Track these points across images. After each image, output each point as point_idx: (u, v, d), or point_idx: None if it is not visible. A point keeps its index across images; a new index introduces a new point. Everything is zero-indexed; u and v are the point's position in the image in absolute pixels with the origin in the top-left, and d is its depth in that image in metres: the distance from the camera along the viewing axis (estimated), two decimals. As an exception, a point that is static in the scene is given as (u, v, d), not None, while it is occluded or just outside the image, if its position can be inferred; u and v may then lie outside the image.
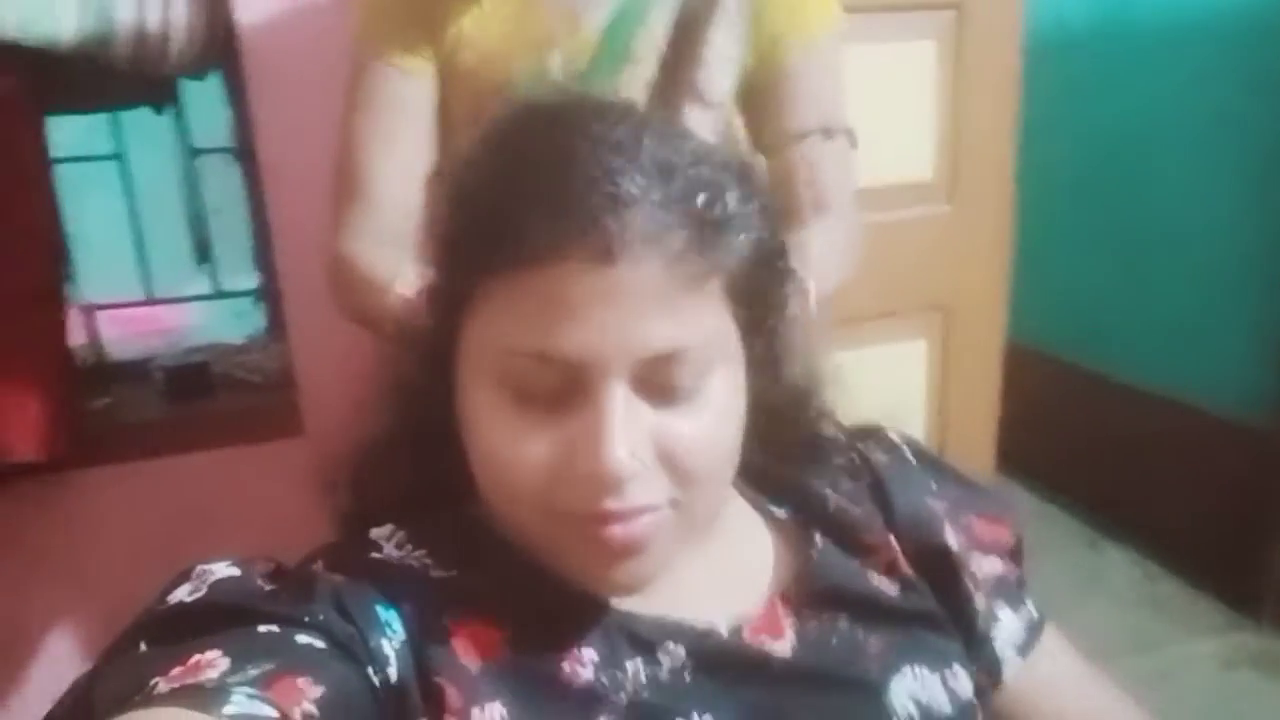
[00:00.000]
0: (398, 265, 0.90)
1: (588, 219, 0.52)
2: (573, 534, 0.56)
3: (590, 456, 0.53)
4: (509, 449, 0.56)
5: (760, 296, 0.61)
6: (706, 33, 0.97)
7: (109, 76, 1.35)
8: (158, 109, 1.54)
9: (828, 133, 1.06)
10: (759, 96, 1.05)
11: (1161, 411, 2.40)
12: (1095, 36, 2.50)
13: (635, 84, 0.97)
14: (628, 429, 0.54)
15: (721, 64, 0.99)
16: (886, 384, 1.74)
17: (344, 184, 1.00)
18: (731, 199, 0.57)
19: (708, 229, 0.55)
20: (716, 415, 0.58)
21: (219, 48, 1.43)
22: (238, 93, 1.53)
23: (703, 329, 0.56)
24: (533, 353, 0.54)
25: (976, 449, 1.84)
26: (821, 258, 1.00)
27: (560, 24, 0.97)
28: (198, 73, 1.46)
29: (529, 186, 0.55)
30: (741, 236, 0.57)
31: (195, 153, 1.60)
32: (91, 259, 1.49)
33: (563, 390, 0.55)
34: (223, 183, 1.62)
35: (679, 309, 0.54)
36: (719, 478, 0.60)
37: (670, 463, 0.56)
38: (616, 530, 0.55)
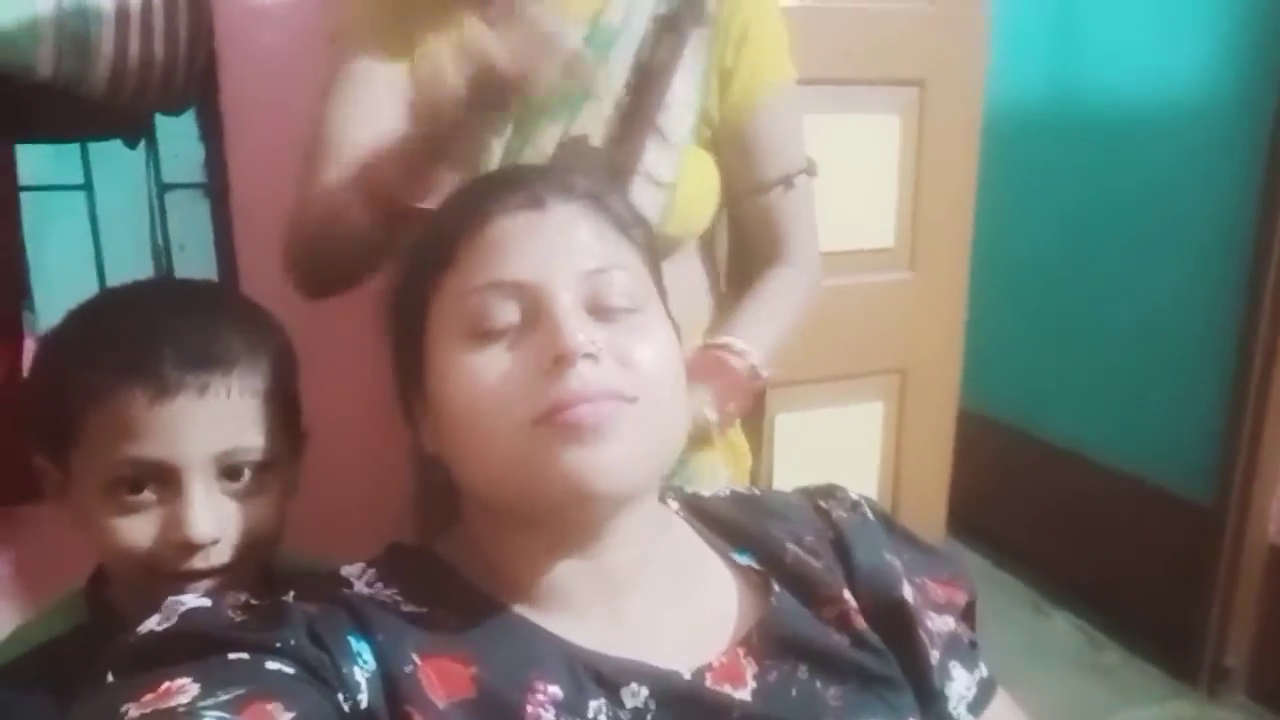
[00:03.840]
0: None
1: (519, 184, 0.66)
2: (543, 433, 0.59)
3: (551, 343, 0.59)
4: (478, 375, 0.61)
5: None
6: (668, 77, 1.00)
7: (83, 107, 1.35)
8: (130, 142, 1.53)
9: (788, 182, 1.09)
10: (723, 148, 1.08)
11: (1108, 482, 2.45)
12: (1052, 116, 2.60)
13: (593, 120, 0.99)
14: (581, 324, 0.61)
15: (681, 109, 1.02)
16: (843, 444, 1.77)
17: (312, 158, 1.00)
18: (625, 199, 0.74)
19: (613, 198, 0.69)
20: (660, 344, 0.65)
21: (198, 84, 1.43)
22: (212, 129, 1.53)
23: (625, 259, 0.66)
24: (487, 284, 0.63)
25: (928, 510, 1.87)
26: (761, 329, 1.06)
27: None
28: (176, 108, 1.46)
29: (471, 187, 0.71)
30: (641, 218, 0.72)
31: (165, 187, 1.59)
32: (52, 289, 1.46)
33: (520, 323, 0.62)
34: (190, 218, 1.61)
35: (601, 240, 0.66)
36: (673, 397, 0.65)
37: (625, 364, 0.62)
38: (584, 410, 0.59)
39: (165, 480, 0.72)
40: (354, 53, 1.02)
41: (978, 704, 0.74)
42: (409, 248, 0.70)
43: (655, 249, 0.72)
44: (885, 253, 1.77)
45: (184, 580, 0.72)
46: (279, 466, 0.78)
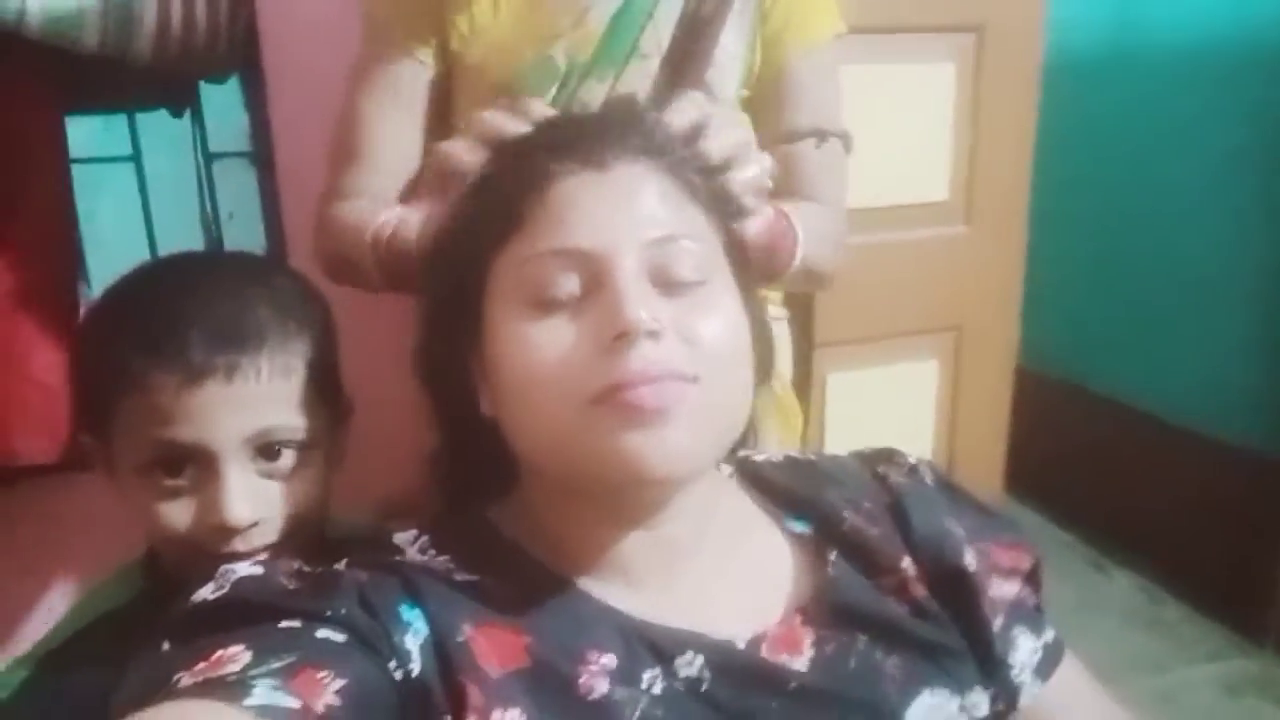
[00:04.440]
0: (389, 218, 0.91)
1: (581, 141, 0.62)
2: (602, 413, 0.57)
3: (612, 319, 0.57)
4: (538, 347, 0.59)
5: (738, 235, 0.69)
6: (716, 32, 0.97)
7: (128, 77, 1.35)
8: (176, 112, 1.54)
9: (821, 136, 1.05)
10: (758, 96, 1.05)
11: (1168, 436, 2.39)
12: (1113, 63, 2.51)
13: (639, 79, 0.97)
14: (644, 297, 0.58)
15: (729, 63, 0.99)
16: (898, 403, 1.74)
17: (340, 151, 1.02)
18: (699, 152, 0.68)
19: (682, 158, 0.65)
20: (726, 317, 0.62)
21: (240, 51, 1.43)
22: (256, 97, 1.53)
23: (694, 227, 0.63)
24: (548, 251, 0.60)
25: (985, 469, 1.84)
26: (803, 216, 0.95)
27: (565, 17, 0.97)
28: (219, 75, 1.46)
29: (531, 141, 0.66)
30: (712, 176, 0.67)
31: (211, 156, 1.60)
32: (104, 260, 1.48)
33: (582, 290, 0.60)
34: (238, 187, 1.62)
35: (669, 206, 0.62)
36: (738, 374, 0.63)
37: (689, 341, 0.59)
38: (645, 391, 0.56)
39: (201, 463, 0.72)
40: (384, 38, 1.02)
41: (1044, 668, 0.72)
42: (464, 200, 0.68)
43: (726, 208, 0.69)
44: (940, 206, 1.72)
45: (226, 562, 0.72)
46: (319, 444, 0.77)
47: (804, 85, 1.05)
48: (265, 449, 0.73)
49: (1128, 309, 2.55)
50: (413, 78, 1.01)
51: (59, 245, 1.40)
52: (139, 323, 0.72)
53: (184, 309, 0.72)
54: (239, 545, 0.72)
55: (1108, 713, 0.74)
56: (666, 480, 0.60)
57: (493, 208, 0.63)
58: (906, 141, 1.58)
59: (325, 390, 0.78)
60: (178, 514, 0.72)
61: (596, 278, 0.59)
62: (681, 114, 0.70)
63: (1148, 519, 2.45)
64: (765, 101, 1.05)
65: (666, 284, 0.60)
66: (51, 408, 1.34)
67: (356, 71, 1.03)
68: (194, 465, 0.72)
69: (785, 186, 1.05)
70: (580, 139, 0.63)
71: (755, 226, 0.79)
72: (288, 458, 0.75)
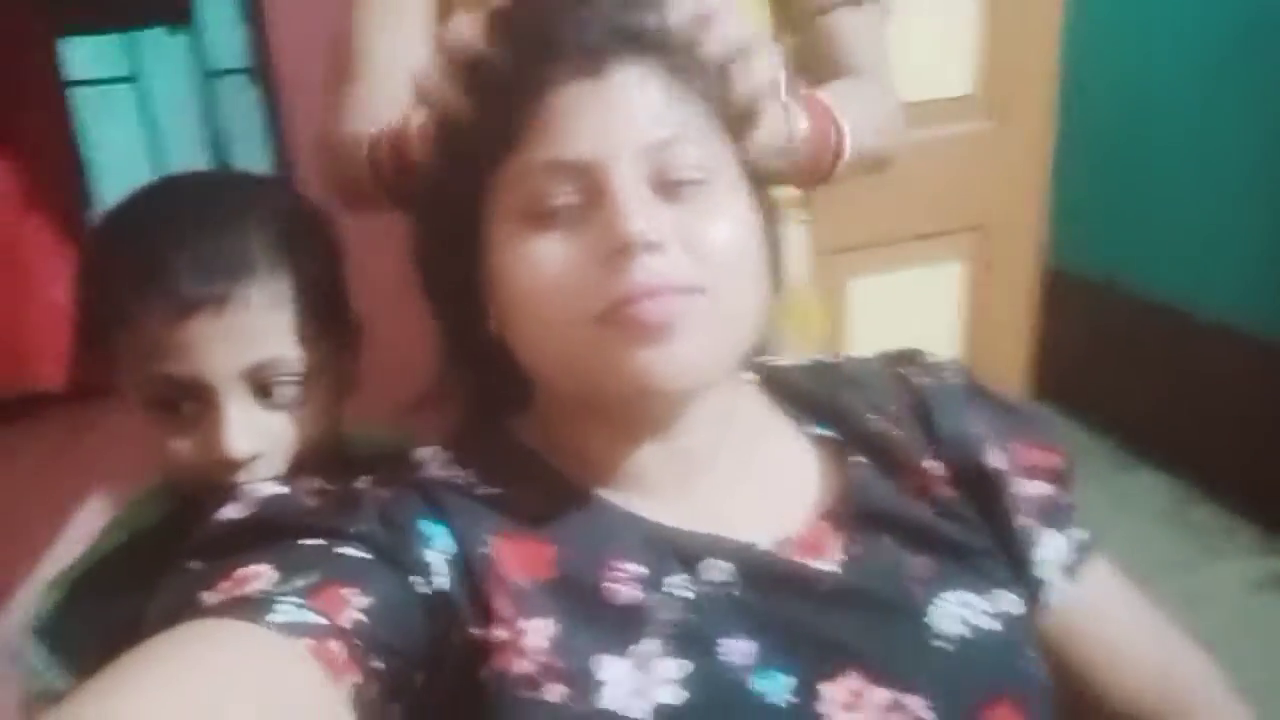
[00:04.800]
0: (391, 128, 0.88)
1: (575, 41, 0.59)
2: (607, 331, 0.56)
3: (612, 232, 0.55)
4: (539, 264, 0.58)
5: (747, 135, 0.65)
6: None
7: (122, -6, 1.32)
8: (173, 29, 1.51)
9: (855, 1, 1.00)
10: None
11: (1199, 334, 2.35)
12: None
13: None
14: (643, 208, 0.56)
15: None
16: (921, 306, 1.71)
17: (346, 64, 0.98)
18: (701, 45, 0.62)
19: (683, 52, 0.61)
20: (733, 220, 0.60)
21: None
22: (254, 9, 1.49)
23: (696, 127, 0.60)
24: (545, 163, 0.58)
25: (1011, 373, 1.81)
26: (848, 106, 0.90)
27: None
28: (212, -11, 1.43)
29: (513, 36, 0.61)
30: (716, 70, 0.63)
31: (212, 74, 1.57)
32: (110, 183, 1.47)
33: (580, 201, 0.57)
34: (240, 105, 1.59)
35: (670, 106, 0.59)
36: (747, 281, 0.60)
37: (693, 250, 0.57)
38: (647, 305, 0.55)
39: (201, 397, 0.70)
40: None
41: (1074, 568, 0.70)
42: (456, 108, 0.64)
43: (733, 104, 0.65)
44: (964, 100, 1.66)
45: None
46: (321, 373, 0.75)
47: None
48: (263, 382, 0.71)
49: (1158, 204, 2.49)
50: None
51: (60, 169, 1.39)
52: (130, 255, 0.70)
53: (173, 239, 0.69)
54: (243, 478, 0.71)
55: (1140, 613, 0.73)
56: (676, 393, 0.58)
57: (486, 120, 0.60)
58: (928, 33, 1.52)
59: (328, 316, 0.76)
60: (182, 448, 0.71)
61: (594, 189, 0.57)
62: (680, 6, 0.66)
63: (1177, 419, 2.42)
64: None
65: (669, 188, 0.58)
66: (66, 333, 1.35)
67: None
68: (194, 399, 0.70)
69: (826, 61, 1.01)
70: (575, 39, 0.59)
71: (791, 127, 0.75)
72: (288, 389, 0.72)
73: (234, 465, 0.70)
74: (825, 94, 0.88)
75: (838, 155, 0.87)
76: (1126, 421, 2.59)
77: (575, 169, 0.57)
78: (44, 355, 1.36)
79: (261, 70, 1.53)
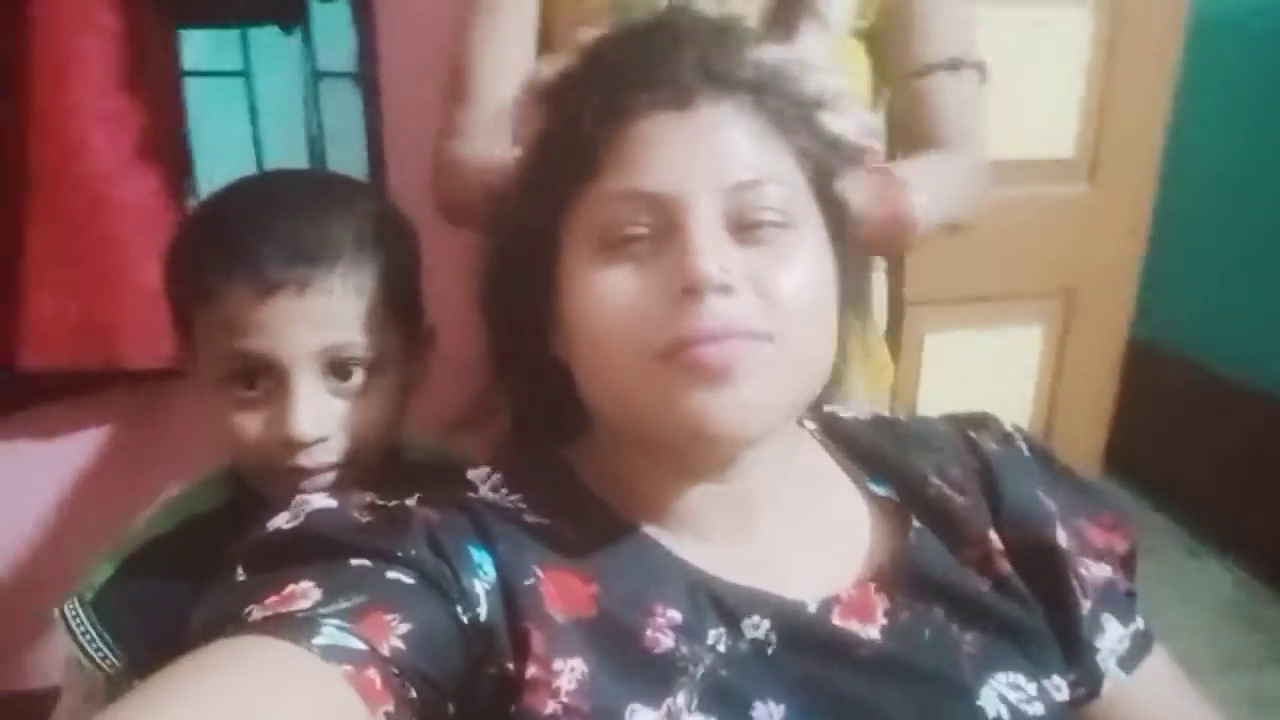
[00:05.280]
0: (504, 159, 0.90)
1: (664, 73, 0.58)
2: (669, 370, 0.55)
3: (681, 271, 0.54)
4: (607, 295, 0.57)
5: (833, 185, 0.63)
6: None
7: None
8: (286, 29, 1.55)
9: (954, 65, 0.99)
10: (881, 26, 1.00)
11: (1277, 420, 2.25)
12: (1262, 19, 2.32)
13: (748, 3, 0.92)
14: (717, 248, 0.55)
15: None
16: (997, 368, 1.66)
17: (455, 86, 1.00)
18: (793, 88, 0.62)
19: (774, 94, 0.60)
20: (808, 270, 0.58)
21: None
22: (364, 17, 1.53)
23: (781, 170, 0.59)
24: (623, 192, 0.57)
25: (1084, 444, 1.76)
26: (925, 183, 0.91)
27: None
28: (327, -8, 1.47)
29: (602, 61, 0.61)
30: (807, 117, 0.62)
31: (319, 75, 1.61)
32: (211, 172, 1.52)
33: (656, 234, 0.57)
34: (343, 107, 1.63)
35: (756, 148, 0.58)
36: (817, 330, 0.59)
37: (765, 295, 0.56)
38: (711, 349, 0.54)
39: (274, 376, 0.72)
40: None
41: (1131, 658, 0.68)
42: (543, 134, 0.64)
43: (828, 150, 0.64)
44: (1063, 163, 1.62)
45: (293, 476, 0.73)
46: (391, 366, 0.77)
47: (933, 11, 0.99)
48: (336, 366, 0.74)
49: (1255, 286, 2.40)
50: (518, 7, 0.99)
51: (170, 156, 1.43)
52: (218, 237, 0.73)
53: (261, 223, 0.72)
54: (304, 460, 0.73)
55: (1195, 711, 0.70)
56: (733, 440, 0.58)
57: (570, 144, 0.60)
58: (1032, 92, 1.49)
59: (401, 314, 0.78)
60: (250, 425, 0.73)
61: (670, 224, 0.56)
62: (771, 54, 0.65)
63: (1252, 509, 2.32)
64: (890, 31, 1.00)
65: (746, 231, 0.57)
66: (155, 315, 1.38)
67: (463, 8, 1.01)
68: (266, 378, 0.73)
69: (917, 125, 1.01)
70: (665, 71, 0.58)
71: (863, 198, 0.74)
72: (358, 376, 0.75)
73: (299, 445, 0.72)
74: (906, 169, 0.89)
75: (906, 232, 0.87)
76: (1199, 506, 2.49)
77: (653, 201, 0.56)
78: (131, 334, 1.40)
79: (365, 75, 1.56)
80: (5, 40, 1.29)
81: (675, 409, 0.55)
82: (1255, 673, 1.99)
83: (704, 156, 0.57)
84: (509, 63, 0.98)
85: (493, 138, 0.94)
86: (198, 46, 1.52)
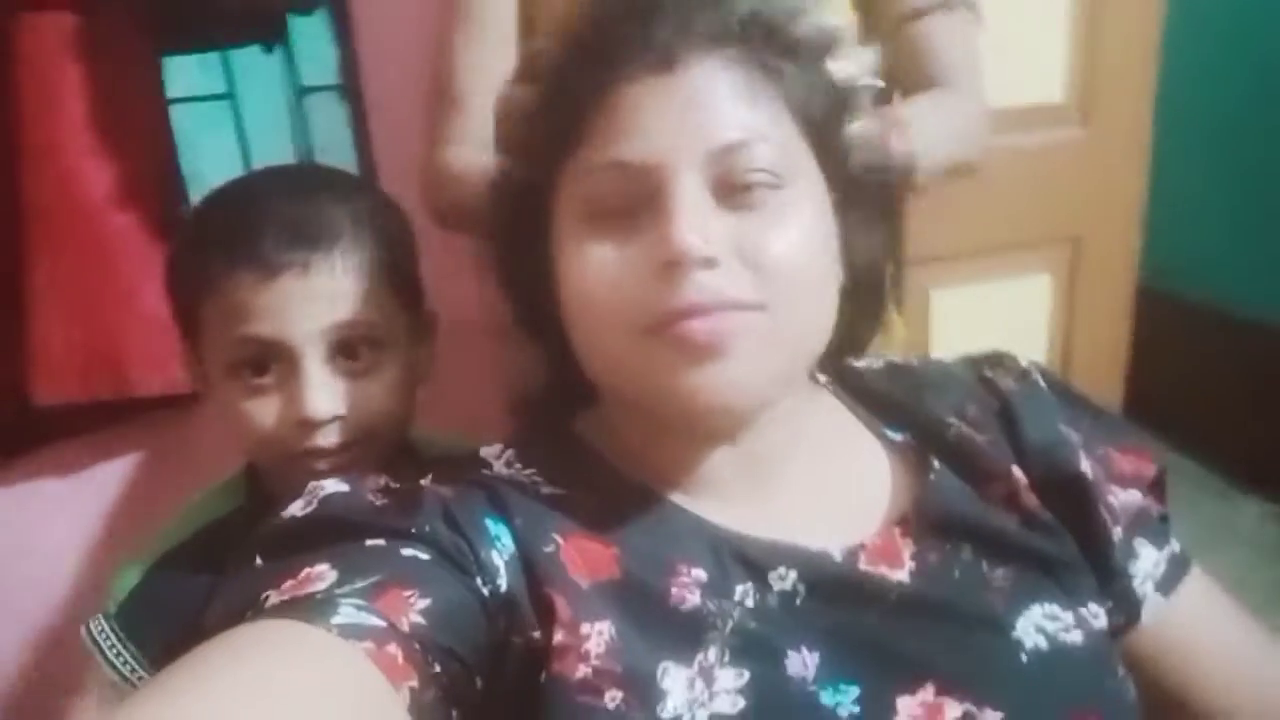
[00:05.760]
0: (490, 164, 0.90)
1: (649, 33, 0.56)
2: (656, 345, 0.54)
3: (662, 244, 0.53)
4: (593, 269, 0.56)
5: (834, 127, 0.61)
6: None
7: (219, 14, 1.37)
8: (267, 47, 1.56)
9: (946, 6, 0.99)
10: None
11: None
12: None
13: None
14: (699, 218, 0.53)
15: None
16: (1006, 321, 1.65)
17: (440, 95, 1.01)
18: (789, 31, 0.59)
19: (765, 43, 0.58)
20: (801, 231, 0.56)
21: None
22: (344, 29, 1.53)
23: (773, 129, 0.57)
24: (606, 163, 0.56)
25: (1102, 393, 1.74)
26: (925, 122, 0.91)
27: None
28: (305, 7, 1.47)
29: (585, 30, 0.60)
30: (802, 65, 0.59)
31: (303, 91, 1.62)
32: (206, 195, 1.52)
33: (642, 206, 0.55)
34: (330, 121, 1.63)
35: (744, 105, 0.56)
36: (810, 295, 0.58)
37: (753, 264, 0.55)
38: (696, 324, 0.53)
39: (283, 360, 0.73)
40: None
41: (1167, 581, 0.67)
42: (533, 103, 0.64)
43: (825, 96, 0.61)
44: (1055, 108, 1.60)
45: (309, 459, 0.74)
46: (397, 347, 0.78)
47: None
48: (344, 345, 0.74)
49: (1260, 220, 2.38)
50: (498, 8, 1.00)
51: (163, 183, 1.44)
52: (219, 227, 0.75)
53: (259, 210, 0.74)
54: (319, 441, 0.74)
55: (1236, 626, 0.69)
56: (728, 414, 0.57)
57: (555, 114, 0.60)
58: (1018, 36, 1.47)
59: (404, 294, 0.79)
60: (262, 412, 0.74)
61: (654, 193, 0.55)
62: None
63: (1277, 445, 2.30)
64: None
65: (735, 191, 0.55)
66: (161, 340, 1.39)
67: (445, 7, 1.02)
68: (275, 362, 0.74)
69: (914, 69, 1.00)
70: (649, 31, 0.57)
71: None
72: (366, 356, 0.76)
73: (313, 426, 0.73)
74: (904, 109, 0.87)
75: (909, 173, 0.86)
76: (1226, 447, 2.47)
77: (637, 170, 0.55)
78: (138, 361, 1.40)
79: (350, 87, 1.57)
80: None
81: (665, 386, 0.55)
82: (1295, 608, 1.97)
83: (687, 121, 0.55)
84: (493, 69, 0.99)
85: (481, 144, 0.94)
86: (181, 73, 1.53)
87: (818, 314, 0.59)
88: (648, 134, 0.55)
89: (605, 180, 0.56)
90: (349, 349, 0.75)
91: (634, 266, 0.55)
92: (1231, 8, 2.35)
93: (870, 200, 0.64)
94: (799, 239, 0.56)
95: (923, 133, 0.87)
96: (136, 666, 0.76)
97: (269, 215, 0.73)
